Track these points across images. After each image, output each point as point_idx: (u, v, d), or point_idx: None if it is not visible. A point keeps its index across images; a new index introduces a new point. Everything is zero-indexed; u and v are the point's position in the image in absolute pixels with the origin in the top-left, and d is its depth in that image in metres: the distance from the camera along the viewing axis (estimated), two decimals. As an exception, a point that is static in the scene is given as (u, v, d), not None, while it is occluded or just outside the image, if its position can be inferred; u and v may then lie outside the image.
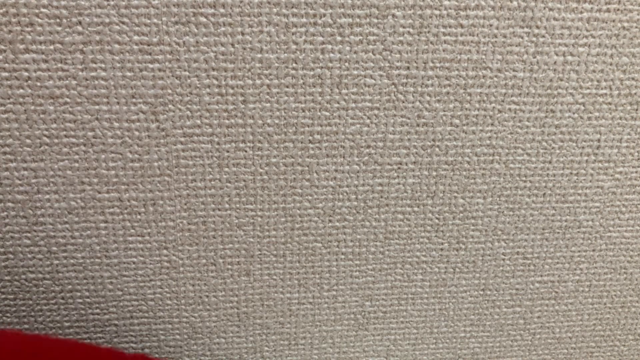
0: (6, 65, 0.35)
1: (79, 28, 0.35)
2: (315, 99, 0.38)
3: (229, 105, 0.38)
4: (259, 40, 0.36)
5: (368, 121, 0.39)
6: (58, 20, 0.34)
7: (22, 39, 0.34)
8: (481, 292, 0.46)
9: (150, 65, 0.36)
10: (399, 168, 0.41)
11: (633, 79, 0.40)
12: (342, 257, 0.43)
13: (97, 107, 0.37)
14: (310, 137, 0.39)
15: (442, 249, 0.44)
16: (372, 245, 0.43)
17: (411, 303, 0.46)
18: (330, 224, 0.42)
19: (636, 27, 0.39)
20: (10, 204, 0.39)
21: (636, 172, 0.43)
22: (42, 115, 0.36)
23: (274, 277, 0.43)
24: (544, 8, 0.37)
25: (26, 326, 0.43)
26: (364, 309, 0.46)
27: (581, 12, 0.38)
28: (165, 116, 0.37)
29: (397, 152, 0.40)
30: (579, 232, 0.45)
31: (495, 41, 0.38)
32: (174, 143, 0.38)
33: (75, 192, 0.39)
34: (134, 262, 0.41)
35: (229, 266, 0.43)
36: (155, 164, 0.39)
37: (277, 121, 0.38)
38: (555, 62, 0.39)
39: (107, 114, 0.37)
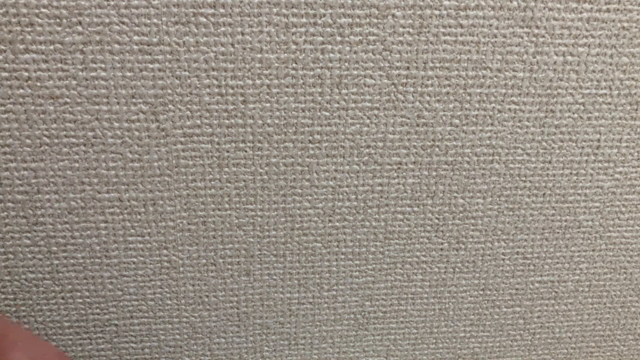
0: (6, 65, 0.35)
1: (79, 28, 0.35)
2: (315, 99, 0.38)
3: (229, 105, 0.38)
4: (259, 40, 0.36)
5: (368, 121, 0.39)
6: (58, 20, 0.34)
7: (22, 39, 0.34)
8: (481, 292, 0.46)
9: (150, 65, 0.36)
10: (399, 168, 0.41)
11: (633, 79, 0.40)
12: (342, 257, 0.43)
13: (97, 107, 0.37)
14: (310, 137, 0.39)
15: (442, 249, 0.44)
16: (372, 245, 0.43)
17: (411, 303, 0.46)
18: (330, 224, 0.42)
19: (636, 27, 0.39)
20: (10, 204, 0.39)
21: (636, 172, 0.43)
22: (42, 115, 0.36)
23: (274, 277, 0.43)
24: (544, 8, 0.37)
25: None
26: (364, 309, 0.46)
27: (581, 12, 0.38)
28: (165, 116, 0.37)
29: (397, 152, 0.40)
30: (579, 232, 0.45)
31: (495, 41, 0.38)
32: (174, 143, 0.38)
33: (75, 192, 0.39)
34: (134, 262, 0.41)
35: (229, 266, 0.43)
36: (155, 164, 0.39)
37: (277, 121, 0.38)
38: (555, 62, 0.39)
39: (107, 114, 0.37)
